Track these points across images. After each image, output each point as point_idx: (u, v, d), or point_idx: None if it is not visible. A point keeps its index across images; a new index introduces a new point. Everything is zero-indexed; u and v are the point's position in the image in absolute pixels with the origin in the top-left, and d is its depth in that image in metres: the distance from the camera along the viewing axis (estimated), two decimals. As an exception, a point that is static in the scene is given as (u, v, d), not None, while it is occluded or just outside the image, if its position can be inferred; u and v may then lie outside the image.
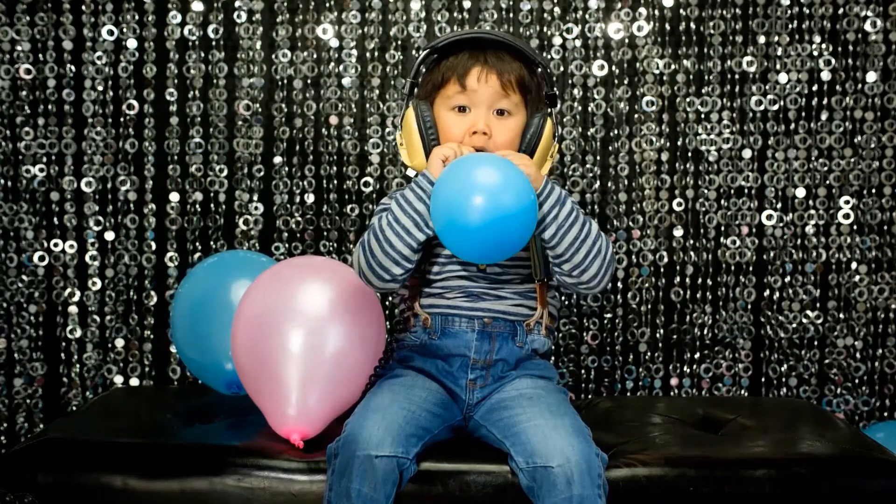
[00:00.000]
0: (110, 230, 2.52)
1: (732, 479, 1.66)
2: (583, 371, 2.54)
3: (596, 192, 2.52)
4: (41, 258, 2.52)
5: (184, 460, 1.70)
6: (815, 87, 2.49)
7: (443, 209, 1.54)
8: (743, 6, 2.48)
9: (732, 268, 2.52)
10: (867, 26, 2.48)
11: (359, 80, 2.51)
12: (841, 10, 2.47)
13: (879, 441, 1.90)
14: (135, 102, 2.51)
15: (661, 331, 2.53)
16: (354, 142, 2.51)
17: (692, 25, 2.49)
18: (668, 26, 2.49)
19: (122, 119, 2.51)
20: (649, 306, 2.53)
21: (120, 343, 2.54)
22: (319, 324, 1.74)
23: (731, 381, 2.53)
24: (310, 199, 2.52)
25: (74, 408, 2.52)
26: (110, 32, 2.50)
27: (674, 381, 2.54)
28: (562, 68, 2.50)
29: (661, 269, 2.52)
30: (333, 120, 2.51)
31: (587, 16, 2.49)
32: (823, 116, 2.49)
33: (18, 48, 2.50)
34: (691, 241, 2.52)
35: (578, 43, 2.49)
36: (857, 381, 2.53)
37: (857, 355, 2.53)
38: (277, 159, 2.52)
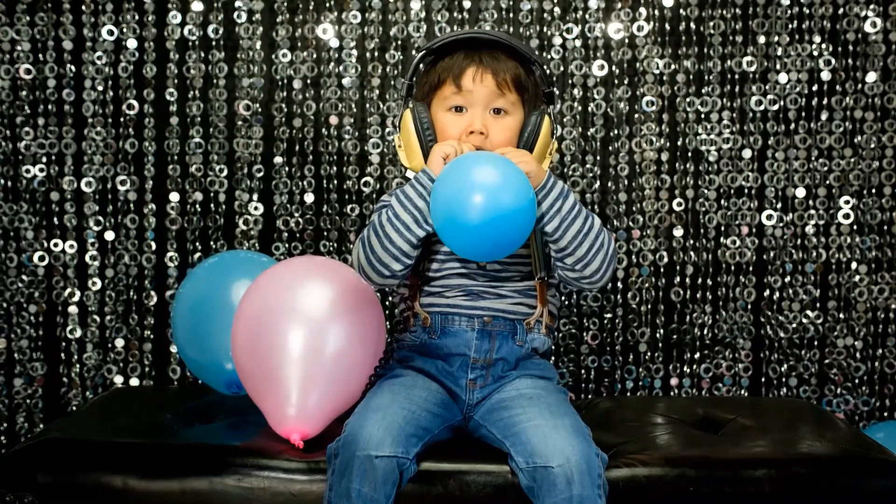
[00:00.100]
0: (110, 230, 2.52)
1: (732, 479, 1.66)
2: (583, 371, 2.54)
3: (596, 192, 2.52)
4: (41, 258, 2.52)
5: (184, 460, 1.70)
6: (815, 87, 2.49)
7: (442, 207, 1.55)
8: (743, 6, 2.48)
9: (732, 268, 2.52)
10: (867, 26, 2.48)
11: (359, 80, 2.51)
12: (841, 10, 2.47)
13: (879, 441, 1.90)
14: (135, 102, 2.51)
15: (661, 331, 2.53)
16: (354, 142, 2.51)
17: (692, 25, 2.49)
18: (668, 26, 2.49)
19: (122, 119, 2.51)
20: (649, 306, 2.53)
21: (120, 343, 2.54)
22: (319, 324, 1.74)
23: (731, 381, 2.53)
24: (310, 199, 2.52)
25: (74, 408, 2.52)
26: (110, 32, 2.50)
27: (674, 381, 2.54)
28: (562, 68, 2.50)
29: (661, 269, 2.52)
30: (333, 120, 2.51)
31: (587, 16, 2.49)
32: (823, 116, 2.49)
33: (18, 48, 2.50)
34: (691, 241, 2.52)
35: (578, 43, 2.50)
36: (857, 381, 2.53)
37: (857, 355, 2.53)
38: (277, 159, 2.52)
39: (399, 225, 1.65)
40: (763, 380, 2.54)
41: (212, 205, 2.53)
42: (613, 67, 2.50)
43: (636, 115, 2.50)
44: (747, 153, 2.50)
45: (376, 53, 2.50)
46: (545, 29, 2.49)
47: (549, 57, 2.49)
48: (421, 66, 1.78)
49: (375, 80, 2.50)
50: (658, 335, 2.53)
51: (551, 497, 1.51)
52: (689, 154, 2.51)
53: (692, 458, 1.70)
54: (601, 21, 2.49)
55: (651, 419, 1.91)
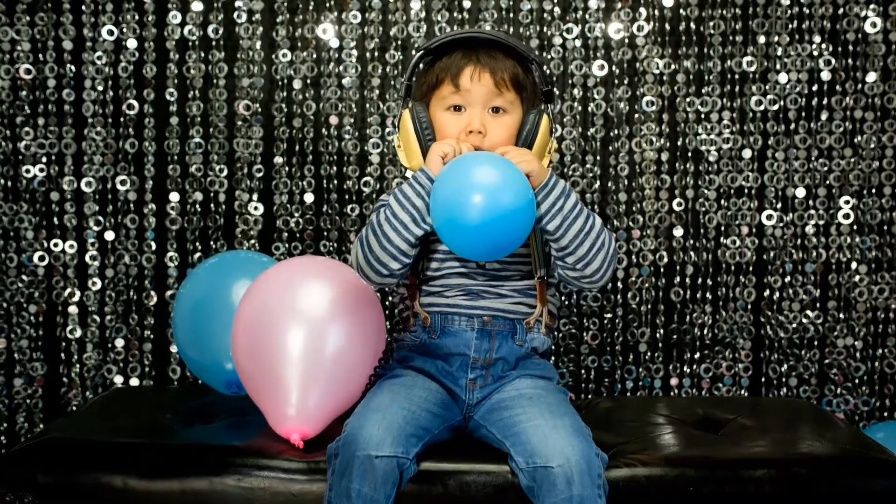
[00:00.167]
0: (110, 230, 2.52)
1: (732, 479, 1.66)
2: (583, 371, 2.54)
3: (596, 192, 2.52)
4: (41, 258, 2.52)
5: (184, 460, 1.70)
6: (815, 87, 2.49)
7: (442, 207, 1.55)
8: (743, 6, 2.48)
9: (732, 268, 2.52)
10: (867, 26, 2.48)
11: (359, 80, 2.51)
12: (841, 10, 2.47)
13: (879, 441, 1.90)
14: (135, 102, 2.51)
15: (661, 331, 2.53)
16: (354, 142, 2.51)
17: (692, 25, 2.49)
18: (668, 26, 2.49)
19: (122, 119, 2.51)
20: (649, 306, 2.53)
21: (120, 343, 2.54)
22: (319, 324, 1.74)
23: (731, 381, 2.53)
24: (310, 199, 2.52)
25: (74, 408, 2.52)
26: (110, 32, 2.50)
27: (674, 381, 2.54)
28: (562, 68, 2.50)
29: (661, 269, 2.52)
30: (333, 120, 2.51)
31: (587, 16, 2.49)
32: (823, 116, 2.49)
33: (18, 48, 2.50)
34: (691, 241, 2.52)
35: (578, 43, 2.50)
36: (857, 381, 2.53)
37: (857, 355, 2.53)
38: (277, 159, 2.52)
39: (397, 224, 1.65)
40: (763, 380, 2.54)
41: (212, 205, 2.53)
42: (613, 67, 2.50)
43: (636, 115, 2.50)
44: (747, 153, 2.50)
45: (376, 53, 2.50)
46: (545, 29, 2.49)
47: (549, 57, 2.49)
48: (420, 65, 1.78)
49: (375, 80, 2.50)
50: (658, 335, 2.53)
51: (551, 497, 1.51)
52: (689, 154, 2.51)
53: (692, 458, 1.70)
54: (601, 21, 2.49)
55: (651, 419, 1.91)
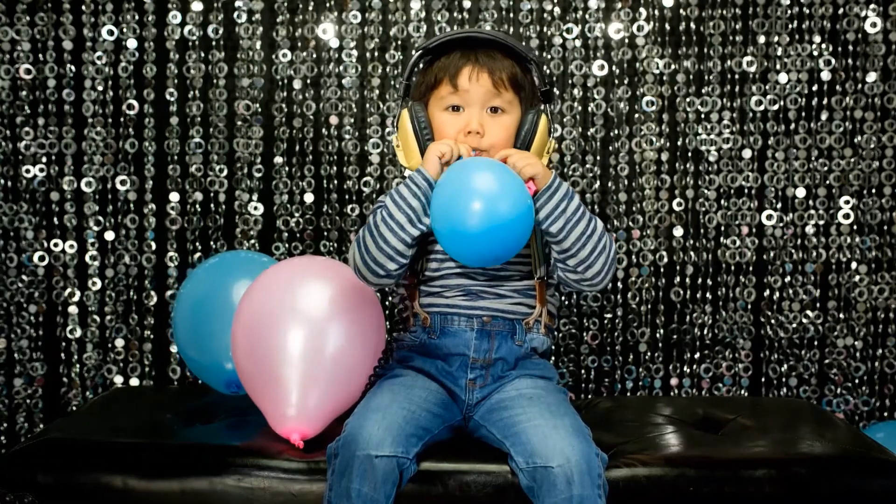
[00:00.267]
0: (110, 230, 2.52)
1: (732, 479, 1.66)
2: (583, 371, 2.54)
3: (596, 192, 2.52)
4: (41, 258, 2.52)
5: (184, 460, 1.70)
6: (815, 87, 2.49)
7: (441, 215, 1.55)
8: (743, 6, 2.48)
9: (732, 268, 2.52)
10: (867, 26, 2.48)
11: (359, 80, 2.51)
12: (841, 10, 2.47)
13: (879, 441, 1.90)
14: (135, 102, 2.51)
15: (661, 331, 2.53)
16: (354, 142, 2.51)
17: (692, 25, 2.49)
18: (668, 26, 2.49)
19: (122, 119, 2.52)
20: (649, 306, 2.53)
21: (120, 343, 2.54)
22: (319, 324, 1.74)
23: (731, 381, 2.53)
24: (310, 199, 2.52)
25: (74, 408, 2.52)
26: (110, 32, 2.50)
27: (674, 381, 2.54)
28: (562, 68, 2.50)
29: (661, 269, 2.52)
30: (333, 120, 2.51)
31: (587, 16, 2.49)
32: (823, 116, 2.49)
33: (18, 48, 2.50)
34: (691, 241, 2.52)
35: (578, 43, 2.50)
36: (857, 381, 2.53)
37: (857, 355, 2.53)
38: (277, 159, 2.52)
39: (393, 224, 1.65)
40: (763, 380, 2.54)
41: (212, 205, 2.53)
42: (613, 67, 2.50)
43: (636, 115, 2.50)
44: (747, 153, 2.50)
45: (376, 53, 2.50)
46: (545, 29, 2.49)
47: (549, 57, 2.49)
48: (420, 65, 1.78)
49: (375, 80, 2.50)
50: (658, 335, 2.53)
51: (551, 497, 1.51)
52: (689, 154, 2.51)
53: (692, 458, 1.70)
54: (601, 21, 2.49)
55: (651, 419, 1.91)
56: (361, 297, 1.80)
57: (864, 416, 2.53)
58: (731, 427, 1.88)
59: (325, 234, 2.53)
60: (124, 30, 2.49)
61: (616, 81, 2.50)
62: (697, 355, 2.54)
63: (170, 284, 2.52)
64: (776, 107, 2.50)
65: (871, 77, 2.48)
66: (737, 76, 2.49)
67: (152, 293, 2.53)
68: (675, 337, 2.54)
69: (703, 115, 2.50)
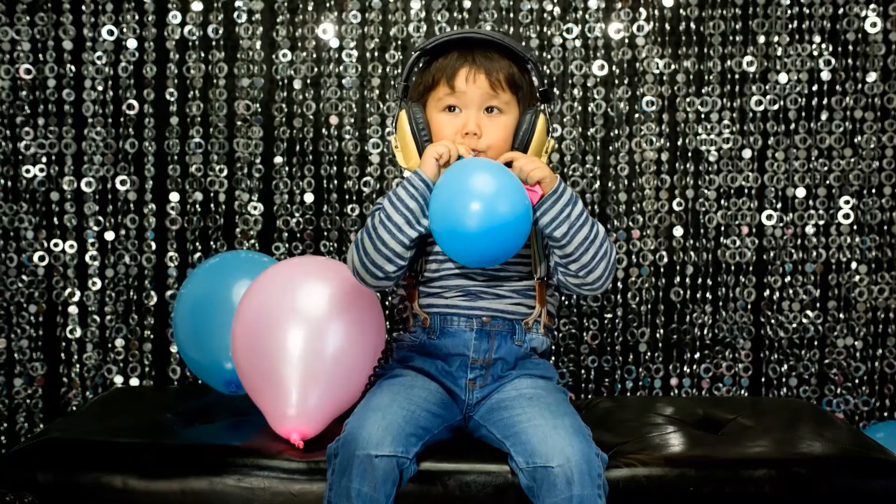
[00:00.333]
0: (110, 230, 2.52)
1: (732, 479, 1.66)
2: (583, 371, 2.54)
3: (596, 192, 2.52)
4: (41, 258, 2.52)
5: (184, 460, 1.70)
6: (815, 87, 2.49)
7: (440, 215, 1.55)
8: (743, 6, 2.48)
9: (732, 268, 2.52)
10: (867, 26, 2.48)
11: (359, 80, 2.51)
12: (841, 10, 2.47)
13: (879, 441, 1.90)
14: (135, 102, 2.51)
15: (661, 331, 2.53)
16: (354, 142, 2.51)
17: (692, 25, 2.49)
18: (668, 26, 2.49)
19: (122, 119, 2.52)
20: (649, 306, 2.53)
21: (120, 343, 2.54)
22: (319, 324, 1.74)
23: (731, 381, 2.53)
24: (310, 199, 2.52)
25: (74, 408, 2.52)
26: (110, 32, 2.50)
27: (674, 381, 2.54)
28: (562, 68, 2.50)
29: (661, 269, 2.52)
30: (333, 120, 2.51)
31: (587, 16, 2.49)
32: (823, 116, 2.49)
33: (18, 48, 2.50)
34: (691, 241, 2.52)
35: (578, 43, 2.50)
36: (857, 381, 2.53)
37: (857, 355, 2.53)
38: (277, 159, 2.52)
39: (391, 226, 1.65)
40: (763, 380, 2.54)
41: (212, 205, 2.53)
42: (613, 67, 2.50)
43: (636, 115, 2.50)
44: (747, 153, 2.50)
45: (376, 53, 2.50)
46: (545, 29, 2.49)
47: (549, 57, 2.49)
48: (418, 66, 1.78)
49: (375, 80, 2.50)
50: (658, 335, 2.53)
51: (551, 497, 1.51)
52: (689, 154, 2.51)
53: (692, 458, 1.70)
54: (601, 21, 2.49)
55: (651, 419, 1.91)
56: (361, 298, 1.80)
57: (864, 416, 2.53)
58: (731, 427, 1.88)
59: (325, 234, 2.53)
60: (124, 30, 2.49)
61: (616, 81, 2.50)
62: (697, 355, 2.54)
63: (170, 284, 2.52)
64: (776, 107, 2.50)
65: (871, 77, 2.49)
66: (737, 76, 2.49)
67: (152, 293, 2.53)
68: (675, 337, 2.54)
69: (703, 115, 2.50)
